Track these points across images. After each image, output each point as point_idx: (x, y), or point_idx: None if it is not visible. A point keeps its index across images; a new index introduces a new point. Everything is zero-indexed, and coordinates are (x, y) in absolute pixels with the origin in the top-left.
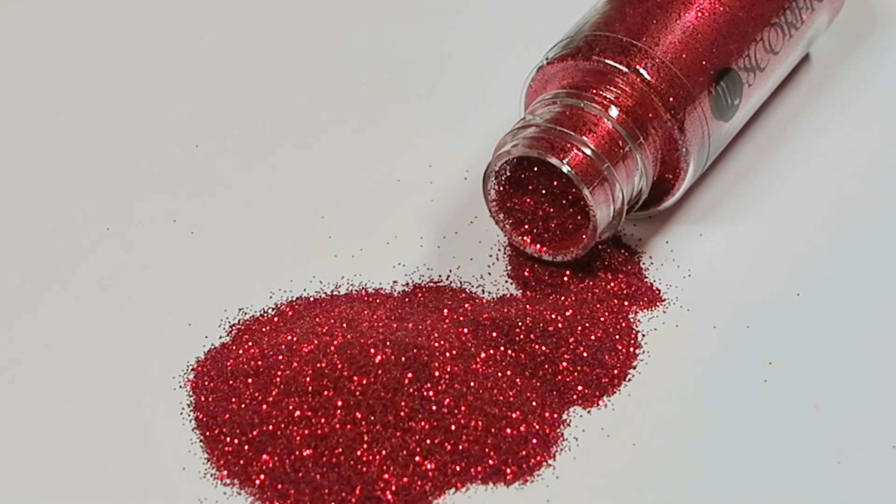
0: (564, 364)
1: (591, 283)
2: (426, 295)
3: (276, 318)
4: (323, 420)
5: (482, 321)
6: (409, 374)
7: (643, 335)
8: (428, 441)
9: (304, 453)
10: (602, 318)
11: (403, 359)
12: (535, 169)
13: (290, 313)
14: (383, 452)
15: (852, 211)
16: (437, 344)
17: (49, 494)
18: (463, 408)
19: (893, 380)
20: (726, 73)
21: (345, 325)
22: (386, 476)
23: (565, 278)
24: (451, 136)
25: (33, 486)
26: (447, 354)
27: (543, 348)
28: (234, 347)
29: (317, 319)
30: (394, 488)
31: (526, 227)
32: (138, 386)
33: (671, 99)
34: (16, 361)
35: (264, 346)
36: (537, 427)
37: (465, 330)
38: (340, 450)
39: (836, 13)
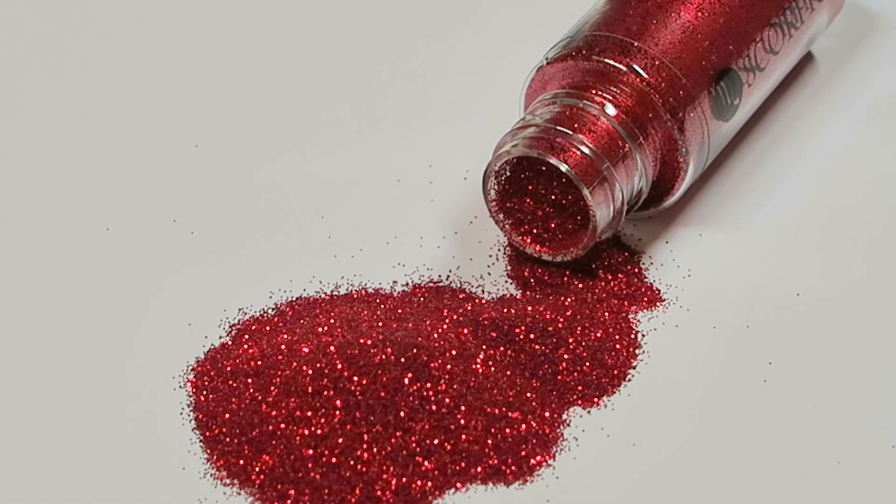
0: (564, 364)
1: (591, 283)
2: (426, 295)
3: (276, 318)
4: (323, 420)
5: (482, 321)
6: (409, 374)
7: (643, 335)
8: (428, 441)
9: (304, 453)
10: (602, 318)
11: (403, 359)
12: (535, 169)
13: (290, 313)
14: (383, 452)
15: (852, 211)
16: (437, 344)
17: (49, 494)
18: (463, 408)
19: (893, 380)
20: (726, 73)
21: (345, 325)
22: (386, 476)
23: (565, 278)
24: (451, 136)
25: (33, 486)
26: (447, 354)
27: (543, 348)
28: (234, 347)
29: (317, 319)
30: (394, 488)
31: (526, 227)
32: (138, 386)
33: (671, 99)
34: (16, 361)
35: (264, 346)
36: (537, 427)
37: (465, 330)
38: (340, 450)
39: (836, 13)
